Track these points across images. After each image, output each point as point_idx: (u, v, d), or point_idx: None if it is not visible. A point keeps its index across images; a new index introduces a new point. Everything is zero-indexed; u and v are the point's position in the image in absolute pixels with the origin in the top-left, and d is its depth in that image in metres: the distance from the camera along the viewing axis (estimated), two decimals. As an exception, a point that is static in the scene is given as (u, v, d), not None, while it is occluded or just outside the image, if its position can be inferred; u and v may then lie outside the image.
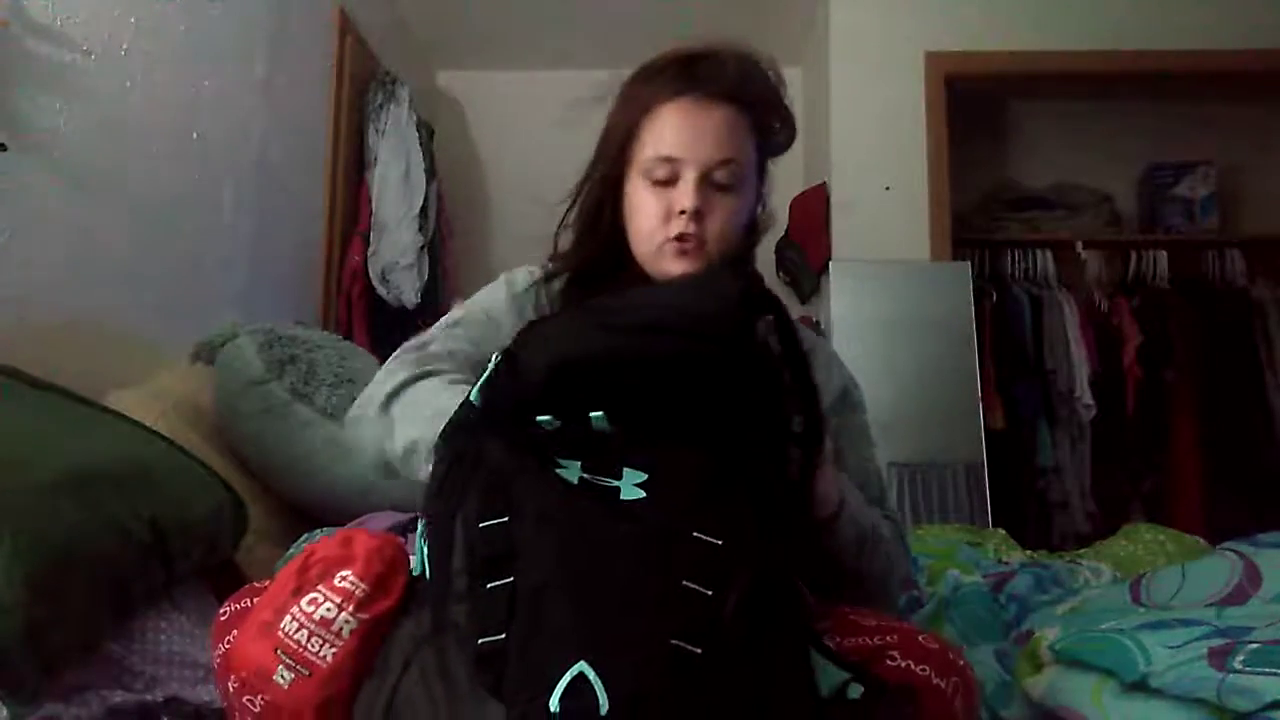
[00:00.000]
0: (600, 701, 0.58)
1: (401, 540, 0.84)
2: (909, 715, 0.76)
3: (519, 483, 0.67)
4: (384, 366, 0.98)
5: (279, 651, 0.73)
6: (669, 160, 0.94)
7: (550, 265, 1.06)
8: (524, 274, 1.08)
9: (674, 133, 0.94)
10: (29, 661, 0.87)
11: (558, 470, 0.68)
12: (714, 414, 0.70)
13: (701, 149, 0.94)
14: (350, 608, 0.74)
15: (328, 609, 0.74)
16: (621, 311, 0.72)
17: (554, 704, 0.58)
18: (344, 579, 0.76)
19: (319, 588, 0.76)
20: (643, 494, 0.66)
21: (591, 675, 0.58)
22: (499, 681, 0.62)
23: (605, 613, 0.63)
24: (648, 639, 0.62)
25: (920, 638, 0.82)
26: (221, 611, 0.85)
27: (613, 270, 1.01)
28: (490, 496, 0.67)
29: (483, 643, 0.63)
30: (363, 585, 0.75)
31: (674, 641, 0.61)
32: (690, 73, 0.96)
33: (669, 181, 0.95)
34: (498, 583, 0.65)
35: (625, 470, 0.68)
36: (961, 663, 0.82)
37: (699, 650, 0.61)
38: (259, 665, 0.74)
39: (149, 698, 0.98)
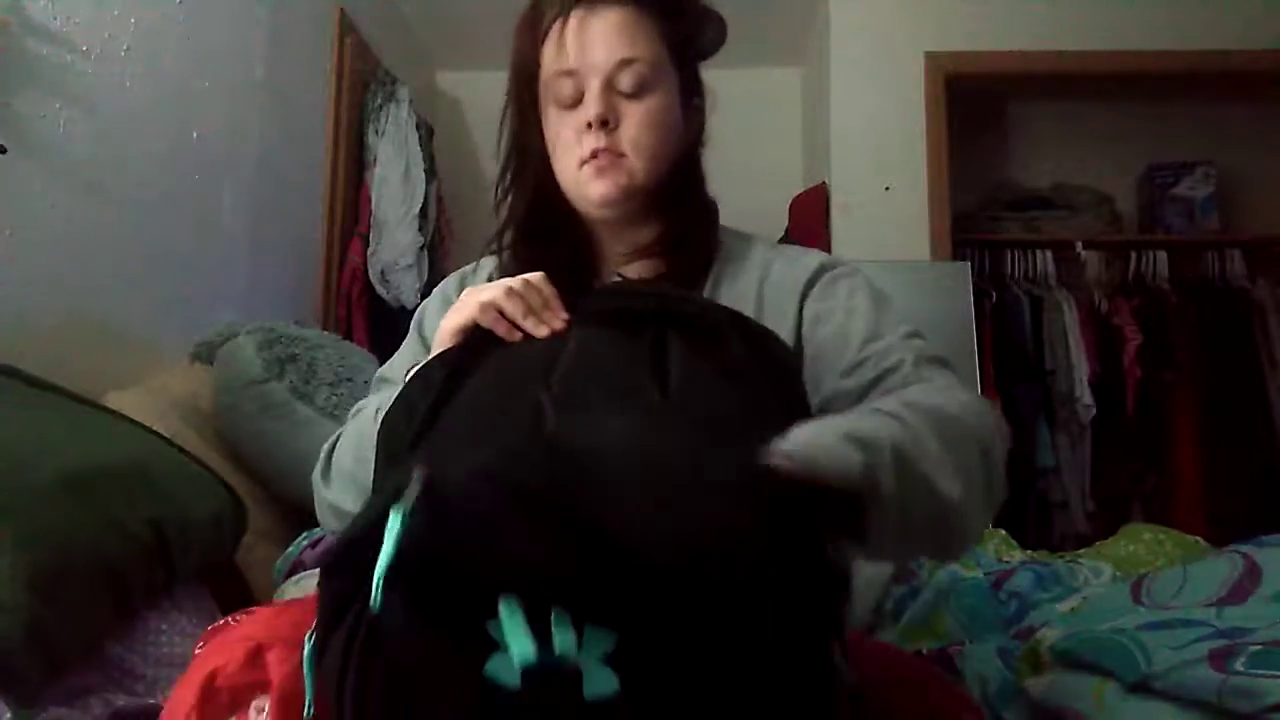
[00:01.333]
0: None
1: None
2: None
3: (426, 686, 0.47)
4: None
5: None
6: (569, 74, 0.89)
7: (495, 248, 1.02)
8: (454, 278, 1.07)
9: (568, 44, 0.89)
10: (32, 662, 0.86)
11: (488, 664, 0.45)
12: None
13: (597, 53, 0.88)
14: None
15: None
16: (583, 504, 0.46)
17: None
18: None
19: None
20: (615, 687, 0.45)
21: None
22: None
23: None
24: None
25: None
26: (213, 629, 0.85)
27: (554, 221, 0.96)
28: (392, 704, 0.48)
29: None
30: None
31: None
32: None
33: (576, 99, 0.90)
34: None
35: (587, 632, 0.45)
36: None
37: None
38: None
39: (150, 701, 0.98)
